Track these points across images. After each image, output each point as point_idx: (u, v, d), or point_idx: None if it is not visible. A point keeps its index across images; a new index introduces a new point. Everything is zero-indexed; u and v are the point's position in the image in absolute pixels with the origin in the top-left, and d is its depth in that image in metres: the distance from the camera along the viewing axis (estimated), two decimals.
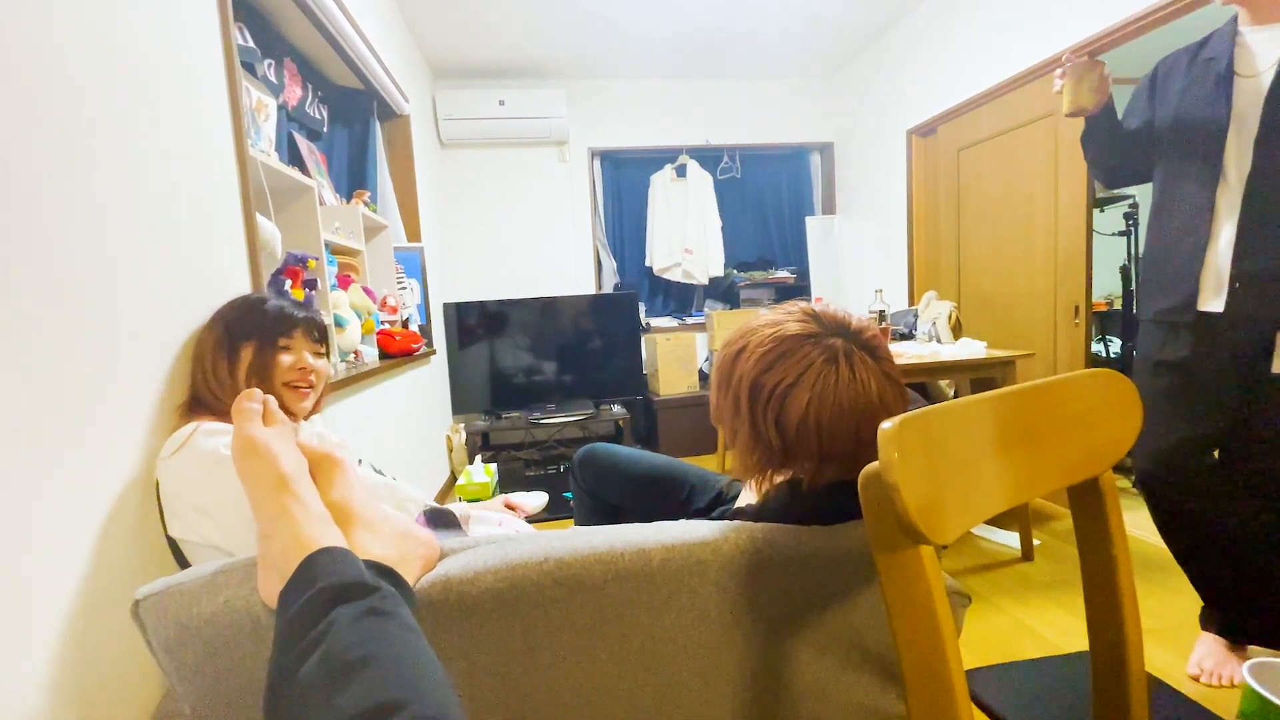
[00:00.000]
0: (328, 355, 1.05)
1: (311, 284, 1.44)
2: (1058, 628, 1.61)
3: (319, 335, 1.01)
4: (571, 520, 1.43)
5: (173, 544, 0.84)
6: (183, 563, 0.84)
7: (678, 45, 3.34)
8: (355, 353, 1.87)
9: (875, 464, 0.44)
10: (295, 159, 2.00)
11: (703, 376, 3.86)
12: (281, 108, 1.90)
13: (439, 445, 3.10)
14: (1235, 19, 1.23)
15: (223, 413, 0.88)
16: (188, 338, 0.97)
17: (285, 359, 0.95)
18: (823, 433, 0.67)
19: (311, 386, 0.99)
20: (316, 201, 1.64)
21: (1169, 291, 1.30)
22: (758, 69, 3.76)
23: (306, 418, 1.02)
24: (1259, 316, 1.19)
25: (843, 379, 0.67)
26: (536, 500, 2.70)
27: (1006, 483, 0.50)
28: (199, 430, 0.82)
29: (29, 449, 0.67)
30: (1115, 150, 1.41)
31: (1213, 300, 1.23)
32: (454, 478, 3.22)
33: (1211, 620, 1.40)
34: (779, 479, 0.74)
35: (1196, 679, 1.35)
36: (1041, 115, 2.42)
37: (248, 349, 0.93)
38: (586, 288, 3.87)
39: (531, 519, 2.62)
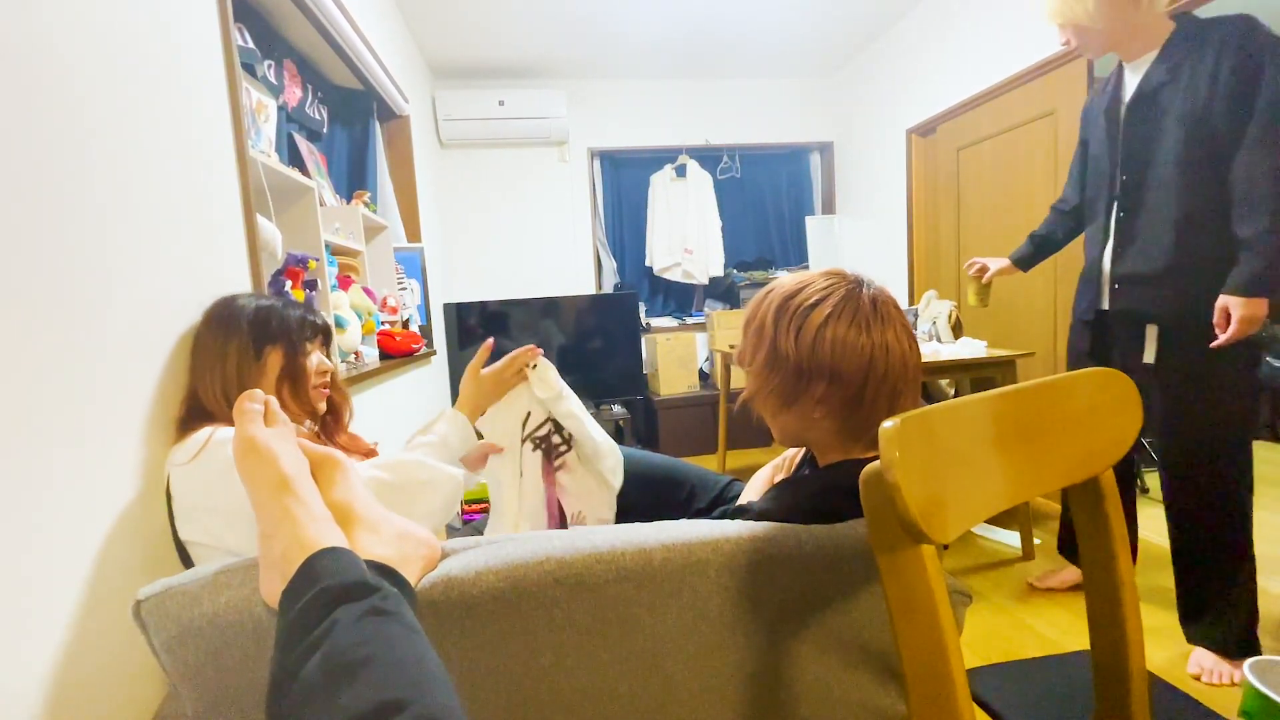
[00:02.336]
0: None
1: (312, 285, 1.45)
2: (1058, 626, 1.61)
3: (327, 339, 1.05)
4: None
5: (181, 547, 0.84)
6: (189, 565, 0.84)
7: (678, 45, 3.34)
8: (355, 353, 1.87)
9: (876, 463, 0.44)
10: (295, 160, 2.00)
11: (703, 376, 3.86)
12: (281, 108, 1.90)
13: None
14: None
15: (231, 420, 0.89)
16: (191, 339, 0.97)
17: (310, 363, 0.98)
18: (836, 347, 0.70)
19: (327, 386, 1.03)
20: (317, 202, 1.64)
21: (1082, 297, 1.56)
22: (758, 69, 3.76)
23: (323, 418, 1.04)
24: (1132, 313, 1.40)
25: (864, 307, 0.72)
26: None
27: (1007, 482, 0.50)
28: (214, 437, 0.82)
29: (30, 450, 0.67)
30: (1068, 238, 1.72)
31: (1106, 301, 1.47)
32: None
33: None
34: (788, 418, 0.77)
35: (1197, 678, 1.35)
36: (1041, 114, 2.42)
37: (275, 353, 0.93)
38: (586, 288, 3.87)
39: None
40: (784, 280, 0.78)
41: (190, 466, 0.81)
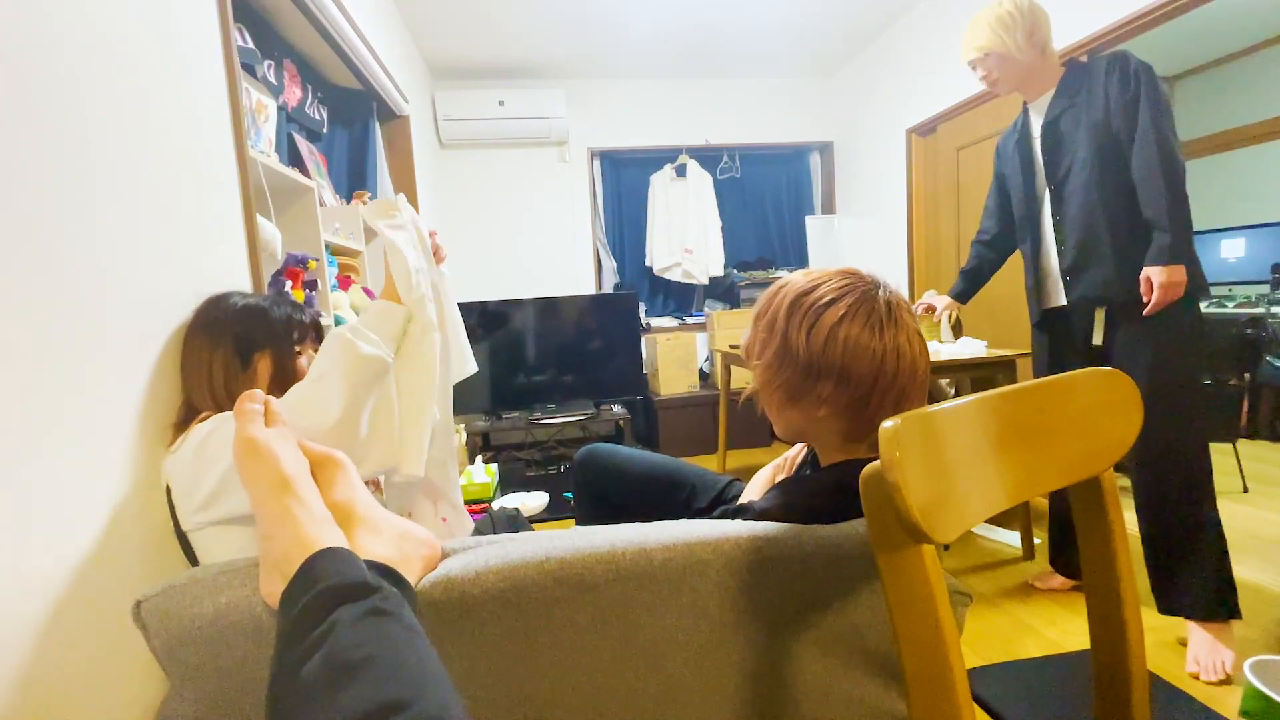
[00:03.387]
0: None
1: (312, 285, 1.45)
2: (1059, 626, 1.61)
3: (318, 335, 1.03)
4: (573, 520, 1.43)
5: (183, 541, 0.84)
6: (192, 559, 0.84)
7: (678, 45, 3.34)
8: None
9: (876, 463, 0.44)
10: (295, 160, 2.00)
11: (703, 376, 3.86)
12: (281, 109, 1.90)
13: None
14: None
15: None
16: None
17: (302, 364, 0.97)
18: (848, 347, 0.70)
19: None
20: (316, 202, 1.64)
21: (1032, 304, 1.71)
22: (758, 69, 3.76)
23: None
24: (1087, 300, 1.55)
25: (879, 309, 0.71)
26: (537, 501, 2.71)
27: (1007, 481, 0.50)
28: (197, 424, 0.85)
29: (29, 451, 0.67)
30: (992, 269, 1.91)
31: (1060, 298, 1.61)
32: None
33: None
34: (793, 415, 0.77)
35: (1197, 677, 1.35)
36: None
37: (264, 360, 0.92)
38: (586, 288, 3.87)
39: (533, 519, 2.62)
40: (797, 276, 0.77)
41: (178, 454, 0.83)
